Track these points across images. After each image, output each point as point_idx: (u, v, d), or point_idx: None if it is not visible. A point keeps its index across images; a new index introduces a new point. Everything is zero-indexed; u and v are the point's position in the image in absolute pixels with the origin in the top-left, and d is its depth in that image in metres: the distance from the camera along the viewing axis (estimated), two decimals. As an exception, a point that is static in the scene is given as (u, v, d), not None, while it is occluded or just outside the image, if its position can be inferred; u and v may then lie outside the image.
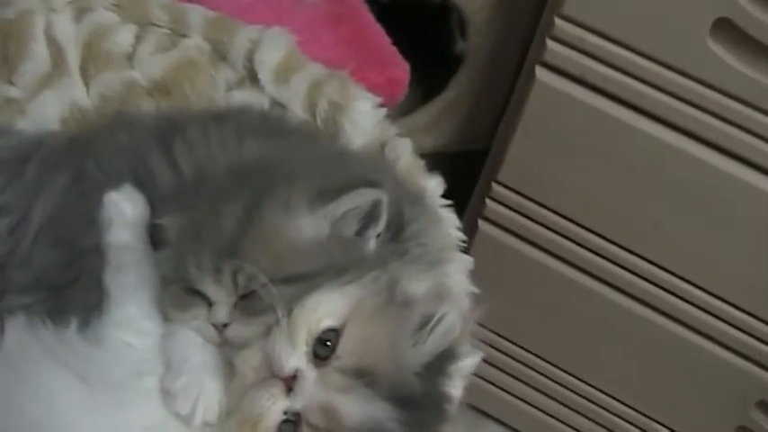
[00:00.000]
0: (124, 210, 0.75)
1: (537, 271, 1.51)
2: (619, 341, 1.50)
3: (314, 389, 0.63)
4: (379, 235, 0.69)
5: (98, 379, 0.65)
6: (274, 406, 0.63)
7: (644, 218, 1.34)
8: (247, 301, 0.66)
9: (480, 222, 1.52)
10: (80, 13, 0.99)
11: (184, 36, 0.99)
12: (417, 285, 0.67)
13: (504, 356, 1.66)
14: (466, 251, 1.49)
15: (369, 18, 1.18)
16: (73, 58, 0.97)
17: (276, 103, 0.96)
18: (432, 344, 0.65)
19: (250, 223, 0.67)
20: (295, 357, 0.63)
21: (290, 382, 0.63)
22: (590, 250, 1.43)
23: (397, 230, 0.69)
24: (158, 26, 1.00)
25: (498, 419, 1.76)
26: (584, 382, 1.59)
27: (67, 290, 0.73)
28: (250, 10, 1.02)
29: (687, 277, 1.35)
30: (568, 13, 1.21)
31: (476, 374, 1.70)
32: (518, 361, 1.66)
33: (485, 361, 1.68)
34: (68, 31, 0.98)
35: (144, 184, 0.78)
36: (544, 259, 1.49)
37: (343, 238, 0.67)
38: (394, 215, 0.69)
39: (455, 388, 0.68)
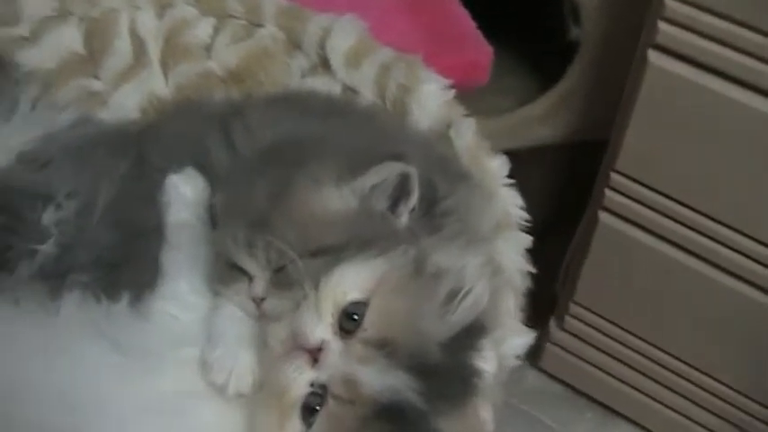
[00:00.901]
0: (184, 191, 0.79)
1: (659, 261, 1.51)
2: (750, 336, 1.47)
3: (338, 360, 0.63)
4: (413, 210, 0.68)
5: (135, 348, 0.69)
6: (300, 377, 0.64)
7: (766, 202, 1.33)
8: (280, 276, 0.68)
9: (601, 214, 1.53)
10: (162, 9, 1.04)
11: (259, 26, 1.03)
12: (449, 260, 0.67)
13: (631, 352, 1.66)
14: (587, 242, 1.53)
15: (452, 4, 1.18)
16: (154, 52, 1.02)
17: (348, 88, 0.98)
18: (459, 316, 0.64)
19: (279, 198, 0.69)
20: (320, 329, 0.64)
21: (315, 354, 0.64)
22: (713, 239, 1.42)
23: (429, 205, 0.69)
24: (235, 17, 1.04)
25: (629, 418, 1.76)
26: (716, 380, 1.56)
27: (123, 268, 0.76)
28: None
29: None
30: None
31: (605, 371, 1.71)
32: (646, 357, 1.66)
33: (613, 357, 1.68)
34: (151, 27, 1.03)
35: (204, 166, 0.80)
36: (665, 249, 1.49)
37: (373, 213, 0.68)
38: (426, 190, 0.69)
39: (486, 362, 0.67)
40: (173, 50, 1.02)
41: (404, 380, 0.62)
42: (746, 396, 1.54)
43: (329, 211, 0.68)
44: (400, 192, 0.69)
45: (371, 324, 0.64)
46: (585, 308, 1.71)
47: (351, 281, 0.65)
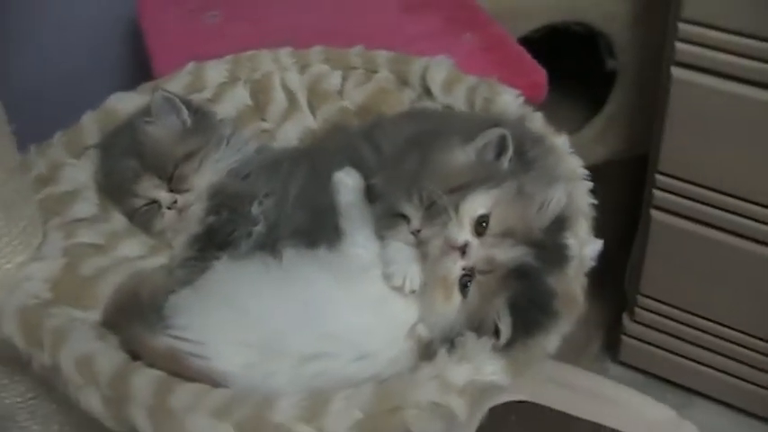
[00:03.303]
0: (347, 181, 1.13)
1: (709, 246, 1.69)
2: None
3: (477, 250, 0.98)
4: (510, 159, 1.04)
5: (343, 272, 1.04)
6: (455, 266, 0.98)
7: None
8: (430, 211, 1.02)
9: (653, 212, 1.73)
10: (303, 68, 1.40)
11: (375, 72, 1.39)
12: (538, 188, 1.01)
13: (701, 333, 1.83)
14: (645, 240, 1.72)
15: (512, 43, 1.55)
16: (302, 99, 1.38)
17: (446, 107, 1.33)
18: (550, 212, 0.98)
19: (426, 162, 1.04)
20: (463, 234, 0.99)
21: (462, 249, 0.98)
22: (754, 219, 1.62)
23: (521, 156, 1.04)
24: (356, 68, 1.40)
25: (708, 396, 1.89)
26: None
27: (315, 233, 1.11)
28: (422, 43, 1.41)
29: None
30: (688, 16, 1.46)
31: (679, 354, 1.88)
32: (716, 336, 1.81)
33: (685, 340, 1.87)
34: (296, 82, 1.39)
35: (357, 164, 1.16)
36: (713, 234, 1.68)
37: (485, 162, 1.03)
38: (519, 146, 1.04)
39: (571, 240, 1.02)
40: (315, 96, 1.38)
41: (523, 250, 0.96)
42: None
43: (458, 163, 1.03)
44: (501, 147, 1.03)
45: (495, 225, 0.98)
46: (653, 298, 1.86)
47: (478, 203, 0.99)
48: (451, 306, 0.97)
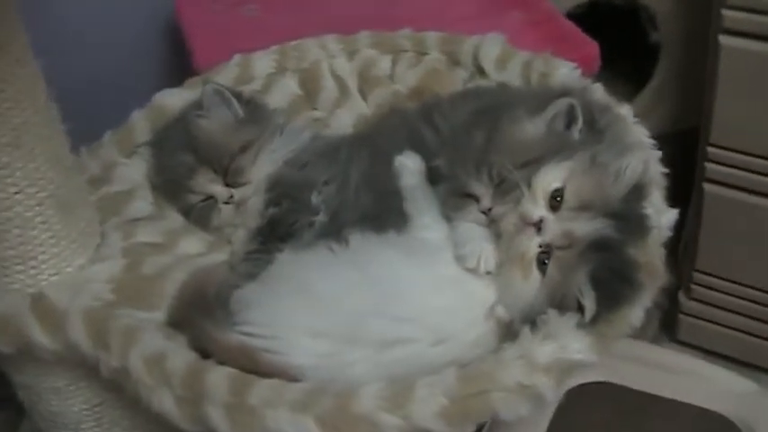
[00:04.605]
0: (408, 165, 1.11)
1: (764, 216, 1.67)
2: None
3: (554, 225, 0.94)
4: (580, 129, 1.00)
5: (417, 253, 1.01)
6: (532, 243, 0.94)
7: None
8: (500, 188, 0.99)
9: (705, 185, 1.70)
10: (351, 54, 1.38)
11: (425, 54, 1.36)
12: (611, 157, 0.98)
13: (758, 306, 1.79)
14: (698, 214, 1.69)
15: (561, 18, 1.52)
16: (353, 85, 1.36)
17: (500, 84, 1.30)
18: (626, 180, 0.94)
19: (493, 138, 1.00)
20: (538, 210, 0.95)
21: (538, 225, 0.94)
22: None
23: (591, 125, 1.00)
24: (405, 51, 1.37)
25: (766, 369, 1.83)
26: None
27: (383, 217, 1.08)
28: (467, 24, 1.38)
29: None
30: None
31: (737, 329, 1.83)
32: None
33: (742, 314, 1.82)
34: (346, 68, 1.37)
35: (417, 147, 1.13)
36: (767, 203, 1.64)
37: (556, 133, 0.99)
38: (587, 116, 1.00)
39: (649, 210, 0.98)
40: (366, 82, 1.36)
41: (602, 222, 0.92)
42: None
43: (528, 136, 0.99)
44: (570, 117, 1.00)
45: (571, 198, 0.94)
46: (708, 273, 1.82)
47: (551, 176, 0.96)
48: (530, 284, 0.94)
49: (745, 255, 1.76)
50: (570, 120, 0.99)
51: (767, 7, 1.48)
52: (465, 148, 1.02)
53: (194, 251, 1.13)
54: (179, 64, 1.64)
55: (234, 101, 1.17)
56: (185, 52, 1.56)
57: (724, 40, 1.55)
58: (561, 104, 0.98)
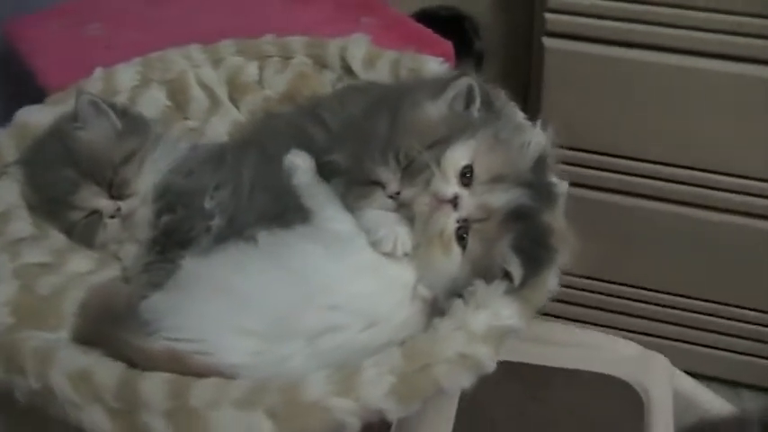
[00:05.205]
0: (298, 163, 1.11)
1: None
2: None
3: (469, 200, 0.97)
4: (479, 109, 1.04)
5: (330, 244, 1.00)
6: (449, 218, 0.97)
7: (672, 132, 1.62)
8: (408, 171, 1.01)
9: None
10: (216, 62, 1.35)
11: (291, 58, 1.36)
12: (510, 133, 1.02)
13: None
14: None
15: (411, 21, 1.57)
16: (222, 93, 1.33)
17: (371, 83, 1.32)
18: (531, 153, 0.99)
19: (396, 122, 1.02)
20: (451, 187, 0.98)
21: (454, 202, 0.97)
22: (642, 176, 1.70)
23: (488, 106, 1.04)
24: (271, 56, 1.37)
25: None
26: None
27: (283, 215, 1.07)
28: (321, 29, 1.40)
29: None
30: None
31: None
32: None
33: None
34: (212, 77, 1.34)
35: (304, 145, 1.13)
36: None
37: (457, 114, 1.03)
38: (485, 96, 1.04)
39: (554, 179, 1.03)
40: (236, 89, 1.34)
41: (517, 191, 0.96)
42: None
43: (431, 118, 1.02)
44: (470, 97, 1.03)
45: (481, 174, 0.98)
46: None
47: (459, 154, 0.99)
48: (452, 260, 0.96)
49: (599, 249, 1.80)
50: (469, 100, 1.02)
51: (586, 10, 1.58)
52: (367, 136, 1.03)
53: (84, 269, 1.08)
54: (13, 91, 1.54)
55: (110, 111, 1.13)
56: (20, 76, 1.48)
57: (547, 42, 1.65)
58: (460, 85, 1.01)
